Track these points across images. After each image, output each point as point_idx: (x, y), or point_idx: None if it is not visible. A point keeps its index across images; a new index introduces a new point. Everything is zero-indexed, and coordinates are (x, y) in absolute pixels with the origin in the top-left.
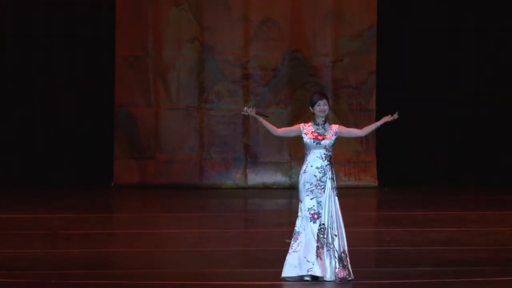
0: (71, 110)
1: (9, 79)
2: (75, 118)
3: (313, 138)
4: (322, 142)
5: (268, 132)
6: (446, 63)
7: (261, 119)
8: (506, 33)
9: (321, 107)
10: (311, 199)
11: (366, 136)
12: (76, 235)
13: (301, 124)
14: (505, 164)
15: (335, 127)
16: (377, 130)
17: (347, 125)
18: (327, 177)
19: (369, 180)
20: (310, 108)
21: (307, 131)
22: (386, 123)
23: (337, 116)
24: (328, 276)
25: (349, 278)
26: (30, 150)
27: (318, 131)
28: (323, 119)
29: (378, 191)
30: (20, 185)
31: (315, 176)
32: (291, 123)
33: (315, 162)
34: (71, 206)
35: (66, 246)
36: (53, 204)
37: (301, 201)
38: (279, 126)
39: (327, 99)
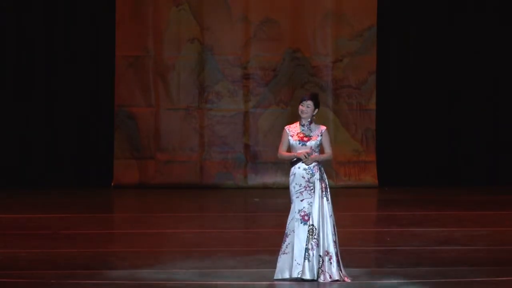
0: (71, 110)
1: (8, 79)
2: (75, 118)
3: (299, 140)
4: (308, 143)
5: (268, 132)
6: (446, 63)
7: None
8: (506, 33)
9: (301, 107)
10: (301, 200)
11: (366, 136)
12: (76, 235)
13: (287, 127)
14: (505, 164)
15: (322, 129)
16: (377, 130)
17: (347, 125)
18: (315, 178)
19: (369, 180)
20: None
21: (293, 132)
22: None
23: (337, 116)
24: (320, 278)
25: (342, 280)
26: (30, 150)
27: (304, 132)
28: (309, 119)
29: (378, 191)
30: (20, 185)
31: (303, 177)
32: (290, 123)
33: (302, 163)
34: (71, 206)
35: (66, 246)
36: (53, 204)
37: (292, 203)
38: (279, 125)
39: (314, 101)
